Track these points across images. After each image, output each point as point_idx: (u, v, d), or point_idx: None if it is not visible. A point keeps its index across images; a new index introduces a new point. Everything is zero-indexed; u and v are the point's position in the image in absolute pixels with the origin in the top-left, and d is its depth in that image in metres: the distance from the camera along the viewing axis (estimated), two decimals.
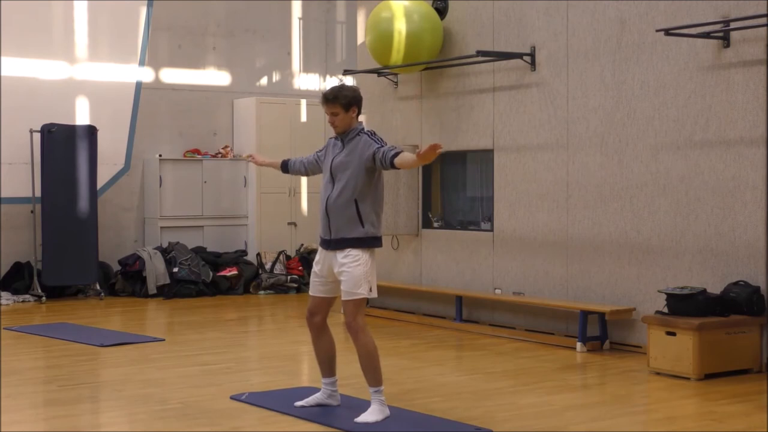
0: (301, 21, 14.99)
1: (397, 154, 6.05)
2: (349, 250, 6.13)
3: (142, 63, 13.66)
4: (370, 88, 11.41)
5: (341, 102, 6.22)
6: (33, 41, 12.87)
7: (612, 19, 8.95)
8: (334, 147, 6.35)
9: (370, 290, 6.16)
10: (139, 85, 13.65)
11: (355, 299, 6.12)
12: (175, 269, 12.77)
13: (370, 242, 6.17)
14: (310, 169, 6.69)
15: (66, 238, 12.38)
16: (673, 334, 7.67)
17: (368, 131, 6.27)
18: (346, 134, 6.28)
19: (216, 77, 14.33)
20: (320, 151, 6.51)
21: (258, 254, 13.70)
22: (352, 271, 6.11)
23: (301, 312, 6.52)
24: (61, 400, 6.89)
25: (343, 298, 6.17)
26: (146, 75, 13.72)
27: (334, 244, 6.19)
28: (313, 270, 6.42)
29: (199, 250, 13.39)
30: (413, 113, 11.05)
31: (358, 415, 6.15)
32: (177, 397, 6.90)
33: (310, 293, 6.42)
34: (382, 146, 6.15)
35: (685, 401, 6.93)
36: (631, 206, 8.80)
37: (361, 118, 6.46)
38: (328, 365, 6.46)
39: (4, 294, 12.24)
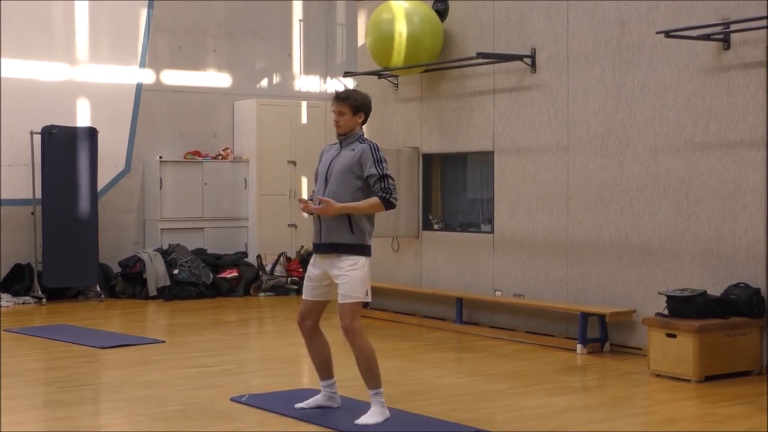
0: (302, 22, 14.99)
1: (381, 200, 6.11)
2: (344, 255, 6.13)
3: (142, 64, 13.65)
4: (370, 90, 11.28)
5: (351, 103, 6.24)
6: (33, 42, 12.87)
7: (612, 21, 8.94)
8: (329, 151, 6.36)
9: (367, 294, 6.18)
10: (139, 87, 13.65)
11: (352, 302, 6.12)
12: (176, 271, 12.76)
13: (360, 250, 6.17)
14: None
15: (66, 240, 12.37)
16: (673, 336, 7.67)
17: (371, 144, 6.23)
18: (345, 138, 6.28)
19: (216, 79, 14.33)
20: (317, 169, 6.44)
21: (258, 256, 13.69)
22: (351, 275, 6.11)
23: None
24: (62, 402, 6.89)
25: (340, 301, 6.16)
26: (147, 76, 13.72)
27: (325, 248, 6.18)
28: (306, 273, 6.39)
29: (200, 252, 13.39)
30: (414, 115, 11.04)
31: (358, 417, 6.16)
32: (177, 399, 6.90)
33: (303, 296, 6.41)
34: (382, 180, 6.11)
35: (686, 403, 6.92)
36: (632, 208, 8.79)
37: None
38: (324, 368, 6.46)
39: (5, 296, 12.23)
